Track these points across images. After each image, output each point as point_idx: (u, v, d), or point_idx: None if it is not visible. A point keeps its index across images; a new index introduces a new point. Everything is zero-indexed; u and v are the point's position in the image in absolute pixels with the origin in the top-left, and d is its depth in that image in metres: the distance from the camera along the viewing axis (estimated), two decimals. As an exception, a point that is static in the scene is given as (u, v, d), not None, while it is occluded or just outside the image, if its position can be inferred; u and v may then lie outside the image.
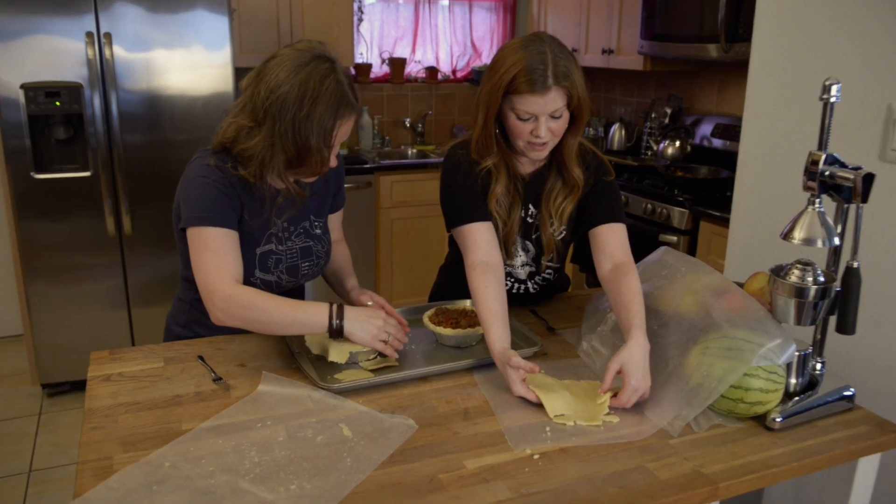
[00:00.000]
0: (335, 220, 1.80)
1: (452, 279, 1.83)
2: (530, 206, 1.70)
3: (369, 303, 1.69)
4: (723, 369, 1.28)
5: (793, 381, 1.37)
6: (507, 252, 1.70)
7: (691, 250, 3.06)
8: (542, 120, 1.50)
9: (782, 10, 1.94)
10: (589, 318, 1.67)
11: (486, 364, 1.52)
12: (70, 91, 3.01)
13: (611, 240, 1.61)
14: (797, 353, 1.35)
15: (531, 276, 1.79)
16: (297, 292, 1.76)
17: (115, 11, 3.01)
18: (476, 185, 1.62)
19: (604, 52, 3.90)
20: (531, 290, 1.81)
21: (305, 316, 1.43)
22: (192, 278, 1.55)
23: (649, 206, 3.24)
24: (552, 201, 1.67)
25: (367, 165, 3.93)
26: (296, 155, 1.43)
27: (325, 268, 1.78)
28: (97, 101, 3.05)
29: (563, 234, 1.74)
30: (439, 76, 4.63)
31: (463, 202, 1.61)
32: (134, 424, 1.29)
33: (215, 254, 1.44)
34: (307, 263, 1.66)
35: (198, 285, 1.45)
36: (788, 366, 1.35)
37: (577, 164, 1.64)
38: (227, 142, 1.49)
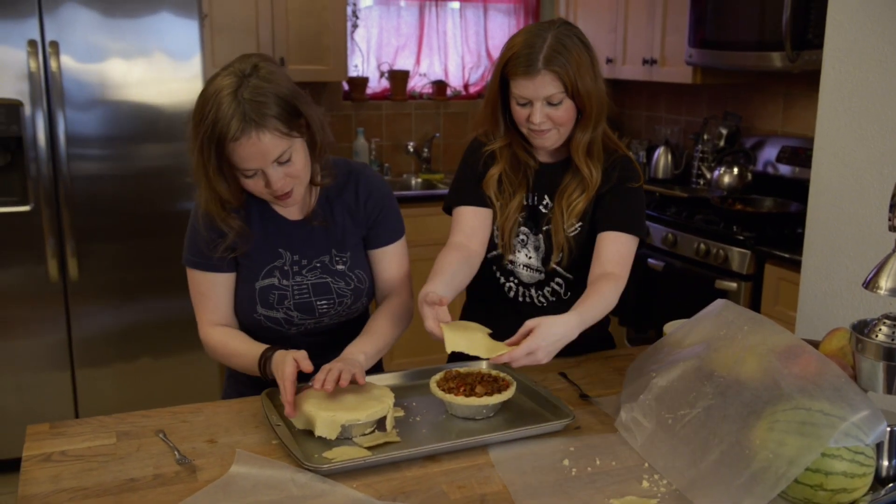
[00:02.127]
0: (388, 260, 1.82)
1: (472, 308, 2.04)
2: (546, 196, 1.89)
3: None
4: (796, 448, 1.26)
5: (885, 463, 1.36)
6: (506, 245, 1.89)
7: (754, 300, 3.06)
8: (538, 105, 1.73)
9: (860, 10, 1.97)
10: (630, 384, 1.67)
11: (506, 441, 1.51)
12: (7, 109, 3.06)
13: (610, 249, 1.80)
14: (889, 429, 1.34)
15: (540, 285, 1.92)
16: (330, 332, 1.81)
17: (64, 16, 3.08)
18: (477, 169, 1.89)
19: (645, 62, 3.95)
20: (538, 302, 1.93)
21: (247, 360, 1.67)
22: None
23: (703, 246, 3.25)
24: (565, 195, 1.85)
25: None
26: (207, 186, 1.59)
27: (363, 307, 1.84)
28: (40, 122, 3.10)
29: (576, 231, 1.87)
30: (448, 92, 4.70)
31: (458, 185, 1.92)
32: (79, 515, 1.28)
33: (200, 296, 1.75)
34: (325, 301, 1.76)
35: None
36: (878, 445, 1.33)
37: (588, 162, 1.82)
38: None
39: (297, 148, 1.58)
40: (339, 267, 1.77)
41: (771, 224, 3.25)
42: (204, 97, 1.53)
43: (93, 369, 3.33)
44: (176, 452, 1.46)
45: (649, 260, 3.48)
